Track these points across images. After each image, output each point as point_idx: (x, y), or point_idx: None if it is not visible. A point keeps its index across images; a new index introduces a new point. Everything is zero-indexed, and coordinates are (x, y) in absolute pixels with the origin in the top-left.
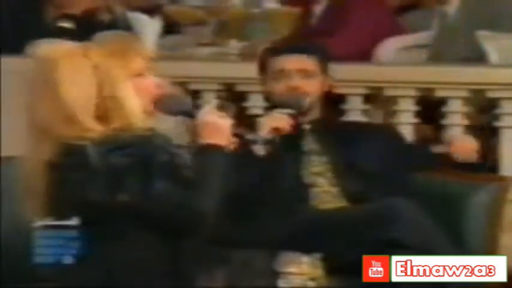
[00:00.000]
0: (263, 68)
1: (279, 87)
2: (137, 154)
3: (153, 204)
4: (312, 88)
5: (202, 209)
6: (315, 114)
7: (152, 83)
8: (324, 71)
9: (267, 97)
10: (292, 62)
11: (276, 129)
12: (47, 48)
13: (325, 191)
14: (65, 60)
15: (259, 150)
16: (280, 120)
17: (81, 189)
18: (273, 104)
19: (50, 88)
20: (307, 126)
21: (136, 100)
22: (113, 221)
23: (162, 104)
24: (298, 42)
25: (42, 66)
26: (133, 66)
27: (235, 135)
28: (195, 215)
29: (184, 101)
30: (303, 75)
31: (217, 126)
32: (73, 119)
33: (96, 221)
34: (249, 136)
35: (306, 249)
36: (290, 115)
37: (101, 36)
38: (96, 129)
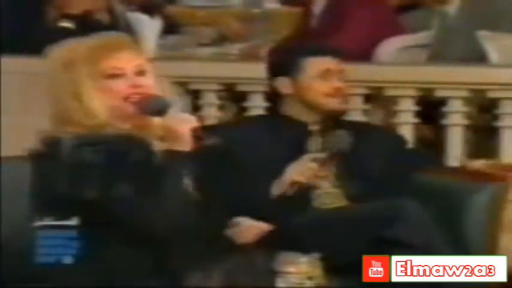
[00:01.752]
0: (288, 67)
1: (323, 88)
2: (106, 152)
3: (114, 206)
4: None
5: (154, 215)
6: None
7: (126, 85)
8: None
9: (300, 97)
10: (336, 64)
11: (295, 183)
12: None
13: (327, 192)
14: (52, 56)
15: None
16: (306, 173)
17: (51, 180)
18: (308, 104)
19: (47, 84)
20: (313, 128)
21: (98, 100)
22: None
23: (141, 105)
24: (324, 44)
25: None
26: (104, 67)
27: (196, 137)
28: (146, 220)
29: (162, 102)
30: (341, 77)
31: (175, 131)
32: (60, 113)
33: (70, 216)
34: (208, 140)
35: (307, 249)
36: (322, 159)
37: (95, 36)
38: (83, 124)
